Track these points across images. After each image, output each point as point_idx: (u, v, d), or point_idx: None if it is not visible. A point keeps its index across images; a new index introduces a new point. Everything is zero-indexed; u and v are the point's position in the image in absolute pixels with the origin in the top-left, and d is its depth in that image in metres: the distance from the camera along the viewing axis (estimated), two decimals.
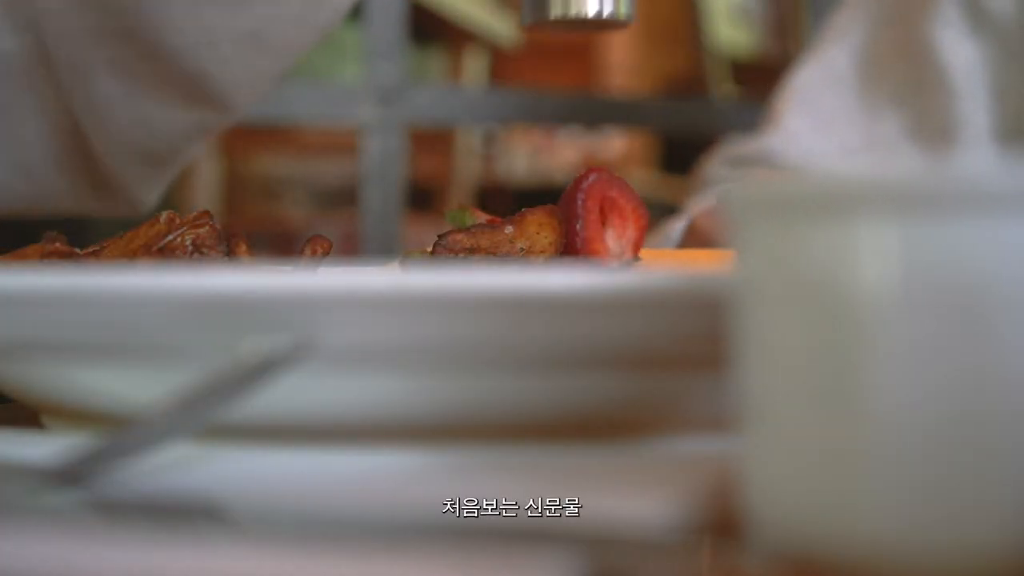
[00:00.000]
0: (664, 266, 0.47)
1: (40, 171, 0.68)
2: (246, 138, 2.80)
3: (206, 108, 0.65)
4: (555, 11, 0.52)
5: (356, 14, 1.40)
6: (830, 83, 0.82)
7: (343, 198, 2.90)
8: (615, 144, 3.28)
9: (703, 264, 0.49)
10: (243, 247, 0.43)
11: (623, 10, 0.53)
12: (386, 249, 1.32)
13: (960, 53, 0.77)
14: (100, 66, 0.63)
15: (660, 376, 0.35)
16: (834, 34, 0.84)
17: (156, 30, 0.61)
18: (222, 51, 0.62)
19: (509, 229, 0.44)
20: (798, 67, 0.85)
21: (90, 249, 0.44)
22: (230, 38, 0.61)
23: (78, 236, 0.47)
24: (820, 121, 0.79)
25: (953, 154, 0.77)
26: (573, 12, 0.52)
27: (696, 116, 1.53)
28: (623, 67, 3.33)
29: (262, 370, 0.31)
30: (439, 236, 0.44)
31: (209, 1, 0.59)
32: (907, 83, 0.79)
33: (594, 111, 1.53)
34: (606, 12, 0.52)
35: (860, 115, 0.79)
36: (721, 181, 0.74)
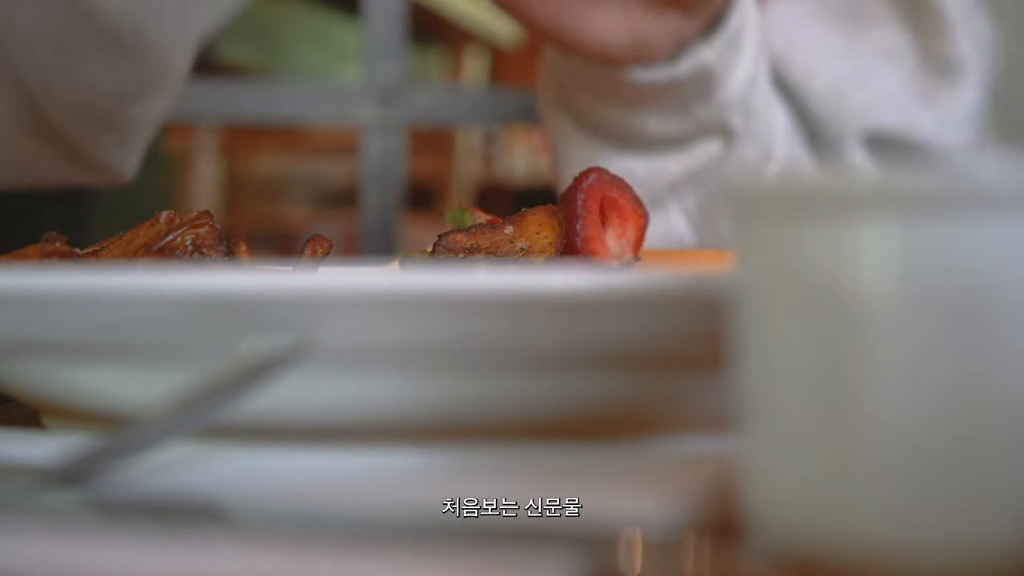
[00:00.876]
0: (664, 266, 0.47)
1: (14, 141, 0.68)
2: (246, 138, 2.81)
3: (138, 61, 0.66)
4: None
5: (356, 14, 1.40)
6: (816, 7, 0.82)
7: (343, 198, 2.90)
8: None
9: (703, 264, 0.49)
10: (243, 247, 0.43)
11: None
12: (386, 249, 1.32)
13: None
14: (29, 28, 0.64)
15: (660, 376, 0.35)
16: None
17: None
18: (162, 8, 0.64)
19: (509, 229, 0.44)
20: None
21: (90, 249, 0.44)
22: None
23: (78, 236, 0.47)
24: (807, 14, 0.78)
25: (946, 88, 0.76)
26: None
27: None
28: None
29: (262, 370, 0.31)
30: (439, 236, 0.44)
31: None
32: (903, 7, 0.78)
33: None
34: None
35: (848, 21, 0.79)
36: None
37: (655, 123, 0.71)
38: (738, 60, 0.69)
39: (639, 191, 0.64)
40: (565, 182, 0.74)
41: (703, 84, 0.68)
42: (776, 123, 0.75)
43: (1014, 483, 0.24)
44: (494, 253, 0.43)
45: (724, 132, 0.72)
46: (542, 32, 0.63)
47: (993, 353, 0.24)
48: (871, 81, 0.77)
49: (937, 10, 0.77)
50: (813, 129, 0.77)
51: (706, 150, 0.73)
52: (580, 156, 0.74)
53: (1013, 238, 0.23)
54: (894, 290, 0.24)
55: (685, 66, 0.66)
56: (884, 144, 0.77)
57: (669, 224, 0.75)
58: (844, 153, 0.76)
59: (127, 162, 0.72)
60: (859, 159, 0.76)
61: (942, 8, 0.77)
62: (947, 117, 0.76)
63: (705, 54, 0.67)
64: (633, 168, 0.73)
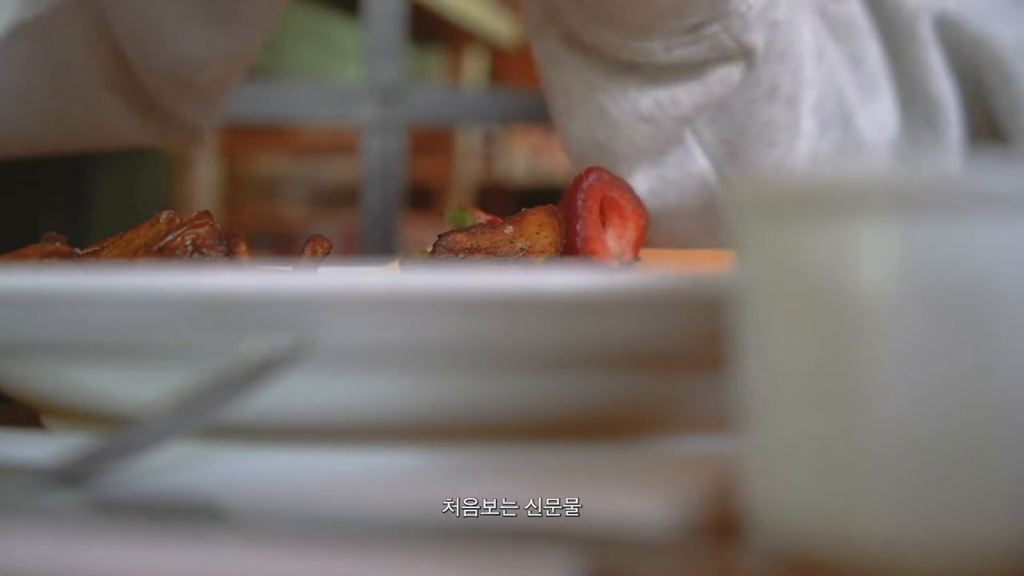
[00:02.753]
0: (664, 266, 0.47)
1: (91, 95, 0.69)
2: (246, 138, 2.81)
3: (227, 32, 0.67)
4: None
5: (356, 14, 1.40)
6: None
7: (343, 198, 2.90)
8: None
9: (703, 264, 0.49)
10: (243, 247, 0.43)
11: None
12: (386, 249, 1.32)
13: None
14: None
15: (660, 376, 0.35)
16: None
17: None
18: None
19: (509, 229, 0.44)
20: None
21: (90, 249, 0.44)
22: None
23: (78, 236, 0.47)
24: None
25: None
26: None
27: None
28: None
29: (262, 370, 0.31)
30: (439, 236, 0.44)
31: None
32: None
33: None
34: None
35: None
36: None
37: (661, 49, 0.61)
38: None
39: (647, 128, 0.59)
40: (560, 114, 0.69)
41: None
42: (805, 38, 0.65)
43: (1014, 483, 0.24)
44: (494, 253, 0.43)
45: (744, 54, 0.62)
46: None
47: (994, 353, 0.24)
48: None
49: None
50: (885, 16, 0.69)
51: (723, 77, 0.62)
52: (574, 83, 0.65)
53: (1014, 238, 0.23)
54: (894, 290, 0.24)
55: None
56: (959, 54, 0.69)
57: (686, 164, 0.65)
58: (922, 67, 0.68)
59: (203, 123, 0.74)
60: (940, 79, 0.68)
61: None
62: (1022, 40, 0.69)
63: None
64: (637, 102, 0.63)
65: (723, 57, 0.62)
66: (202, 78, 0.71)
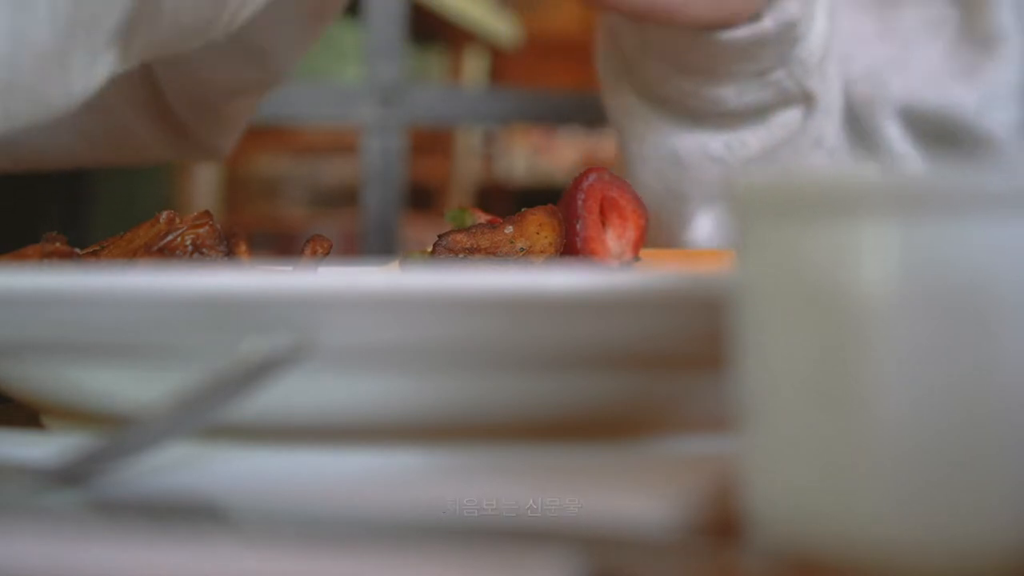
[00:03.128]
0: (664, 266, 0.47)
1: (123, 114, 0.72)
2: (246, 138, 2.80)
3: (259, 66, 0.71)
4: None
5: (356, 14, 1.40)
6: None
7: (343, 198, 2.90)
8: (615, 144, 3.28)
9: (703, 264, 0.49)
10: (243, 247, 0.43)
11: None
12: (386, 249, 1.32)
13: None
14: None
15: (660, 376, 0.35)
16: None
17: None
18: (284, 32, 0.69)
19: (509, 229, 0.44)
20: None
21: (90, 249, 0.44)
22: (289, 19, 0.68)
23: (78, 236, 0.47)
24: (840, 1, 0.76)
25: (988, 62, 0.74)
26: None
27: None
28: None
29: (262, 370, 0.31)
30: (439, 236, 0.44)
31: None
32: None
33: (594, 111, 1.52)
34: None
35: (882, 3, 0.77)
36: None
37: (733, 94, 0.68)
38: (815, 15, 0.66)
39: (716, 169, 0.64)
40: (632, 160, 0.74)
41: (786, 41, 0.65)
42: (838, 95, 0.72)
43: (1014, 483, 0.24)
44: (494, 253, 0.43)
45: (805, 98, 0.69)
46: (635, 15, 0.62)
47: (994, 353, 0.24)
48: (910, 61, 0.75)
49: None
50: (851, 113, 0.75)
51: (785, 122, 0.70)
52: (647, 131, 0.71)
53: (1014, 238, 0.23)
54: (894, 290, 0.24)
55: (769, 21, 0.64)
56: (925, 126, 0.74)
57: None
58: (882, 136, 0.74)
59: (226, 144, 0.78)
60: (898, 142, 0.74)
61: None
62: (990, 95, 0.74)
63: (789, 5, 0.64)
64: (707, 145, 0.70)
65: (785, 101, 0.69)
66: (230, 107, 0.74)
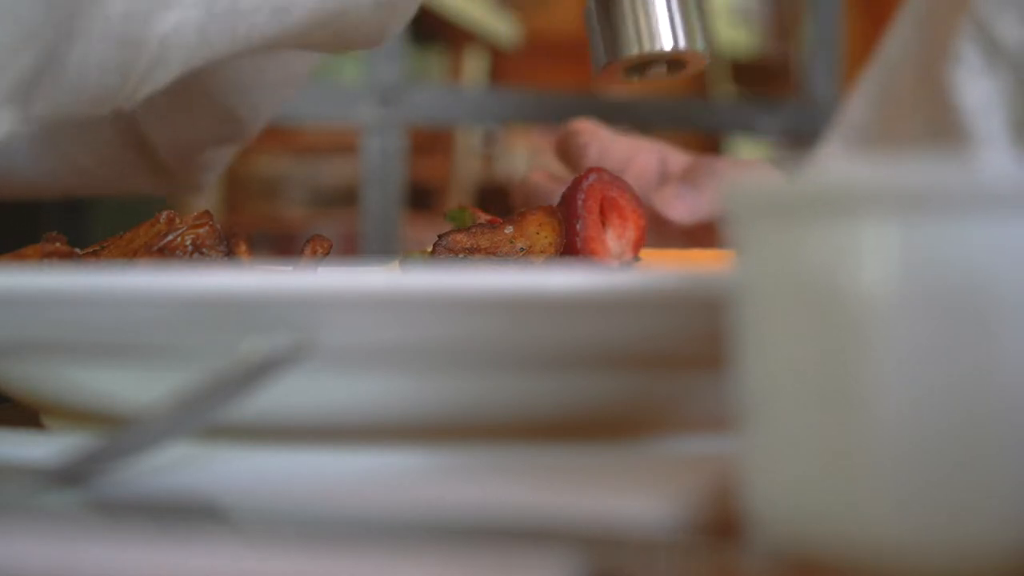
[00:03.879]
0: (664, 266, 0.47)
1: (114, 151, 0.75)
2: None
3: (229, 129, 0.74)
4: (629, 49, 0.51)
5: None
6: (852, 139, 0.82)
7: (343, 198, 2.90)
8: None
9: (703, 264, 0.49)
10: (243, 247, 0.43)
11: (699, 43, 0.51)
12: (386, 249, 1.32)
13: (975, 92, 0.76)
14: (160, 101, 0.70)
15: (660, 376, 0.35)
16: (856, 89, 0.84)
17: (205, 74, 0.68)
18: (253, 98, 0.71)
19: (509, 229, 0.44)
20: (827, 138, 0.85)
21: (90, 249, 0.44)
22: (261, 86, 0.71)
23: (78, 236, 0.47)
24: None
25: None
26: (647, 48, 0.51)
27: (696, 116, 1.53)
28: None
29: (262, 370, 0.31)
30: (439, 236, 0.44)
31: (249, 57, 0.64)
32: (926, 128, 0.78)
33: (594, 111, 1.52)
34: (682, 45, 0.51)
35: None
36: None
37: None
38: None
39: None
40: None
41: None
42: None
43: (1014, 483, 0.24)
44: (494, 253, 0.43)
45: None
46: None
47: (994, 353, 0.24)
48: None
49: None
50: None
51: None
52: None
53: (1014, 238, 0.23)
54: (894, 290, 0.24)
55: None
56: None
57: None
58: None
59: (206, 180, 0.81)
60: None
61: None
62: None
63: None
64: None
65: None
66: (209, 154, 0.77)
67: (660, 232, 0.62)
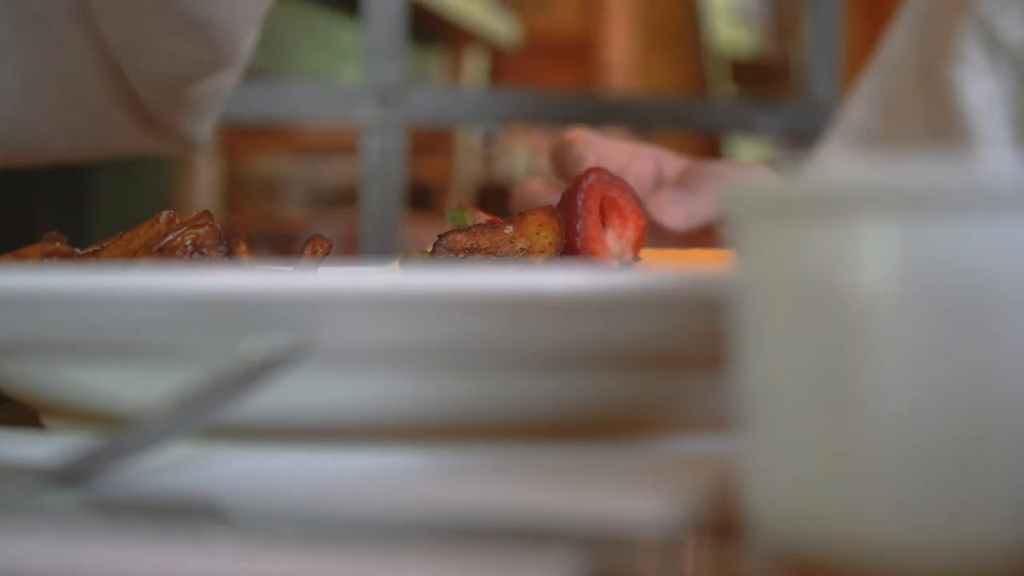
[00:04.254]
0: (664, 266, 0.47)
1: (97, 106, 0.74)
2: (246, 138, 2.80)
3: (211, 40, 0.71)
4: None
5: (356, 14, 1.40)
6: (852, 139, 0.82)
7: (343, 198, 2.90)
8: None
9: (703, 264, 0.49)
10: (243, 247, 0.43)
11: None
12: (386, 249, 1.32)
13: (977, 91, 0.76)
14: (118, 4, 0.69)
15: (660, 376, 0.35)
16: (856, 89, 0.84)
17: None
18: (224, 2, 0.69)
19: (509, 229, 0.44)
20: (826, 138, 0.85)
21: (90, 249, 0.44)
22: None
23: (78, 236, 0.47)
24: None
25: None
26: None
27: (696, 116, 1.53)
28: (623, 67, 3.33)
29: (262, 370, 0.31)
30: (439, 236, 0.44)
31: None
32: (927, 128, 0.78)
33: (594, 111, 1.53)
34: None
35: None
36: None
37: None
38: None
39: None
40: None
41: None
42: None
43: (1014, 483, 0.24)
44: (494, 253, 0.43)
45: None
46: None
47: (994, 353, 0.24)
48: None
49: None
50: None
51: None
52: None
53: (1014, 238, 0.23)
54: (894, 290, 0.24)
55: None
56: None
57: None
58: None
59: (199, 132, 0.78)
60: None
61: None
62: None
63: None
64: None
65: None
66: (192, 90, 0.75)
67: (656, 238, 0.62)
